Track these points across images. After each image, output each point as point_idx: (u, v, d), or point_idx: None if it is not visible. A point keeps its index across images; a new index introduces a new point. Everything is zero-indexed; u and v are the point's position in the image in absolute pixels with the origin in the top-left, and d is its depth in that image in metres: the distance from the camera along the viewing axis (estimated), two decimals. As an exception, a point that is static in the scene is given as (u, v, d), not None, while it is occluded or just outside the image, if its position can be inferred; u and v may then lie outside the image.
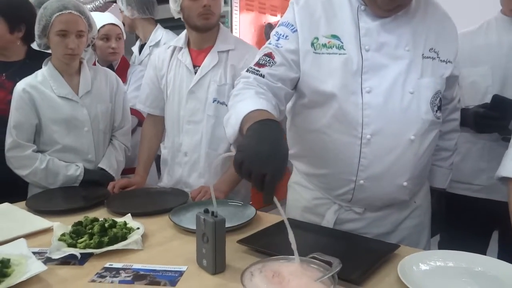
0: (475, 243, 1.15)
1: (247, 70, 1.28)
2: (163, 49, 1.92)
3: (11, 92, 1.85)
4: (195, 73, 1.78)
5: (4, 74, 2.02)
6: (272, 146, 0.92)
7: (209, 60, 1.77)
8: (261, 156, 0.90)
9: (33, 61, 2.00)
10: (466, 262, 1.06)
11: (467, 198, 1.67)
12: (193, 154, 1.81)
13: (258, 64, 1.27)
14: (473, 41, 1.63)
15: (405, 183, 1.25)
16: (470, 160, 1.65)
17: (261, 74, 1.24)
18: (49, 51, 1.87)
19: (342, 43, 1.23)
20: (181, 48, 1.84)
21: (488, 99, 1.55)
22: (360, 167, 1.24)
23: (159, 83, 1.90)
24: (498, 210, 1.61)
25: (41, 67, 1.88)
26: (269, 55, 1.26)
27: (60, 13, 1.73)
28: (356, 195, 1.28)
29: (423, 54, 1.23)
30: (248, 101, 1.12)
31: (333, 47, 1.23)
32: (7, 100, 1.89)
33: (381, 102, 1.20)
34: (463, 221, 1.65)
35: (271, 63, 1.25)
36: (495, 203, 1.61)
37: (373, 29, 1.22)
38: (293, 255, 0.91)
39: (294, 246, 0.90)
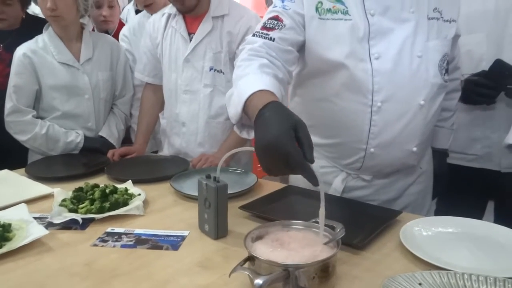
0: (470, 213, 1.14)
1: (254, 35, 1.21)
2: (158, 16, 1.86)
3: (9, 65, 1.81)
4: (190, 40, 1.74)
5: (1, 46, 1.96)
6: (274, 128, 0.84)
7: (204, 27, 1.71)
8: (272, 146, 0.81)
9: (29, 29, 1.93)
10: (467, 228, 1.06)
11: (461, 167, 1.67)
12: (191, 124, 1.78)
13: (265, 28, 1.19)
14: (470, 7, 1.59)
15: (414, 149, 1.24)
16: (464, 129, 1.64)
17: (271, 37, 1.17)
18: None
19: (347, 8, 1.19)
20: (175, 15, 1.78)
21: (482, 67, 1.53)
22: (370, 135, 1.22)
23: (155, 51, 1.86)
24: (493, 179, 1.61)
25: (37, 34, 1.84)
26: (277, 18, 1.20)
27: None
28: (366, 163, 1.27)
29: (427, 15, 1.20)
30: (250, 78, 1.04)
31: (338, 12, 1.20)
32: (5, 73, 1.84)
33: (391, 68, 1.17)
34: (458, 191, 1.65)
35: (280, 26, 1.18)
36: (490, 172, 1.60)
37: None
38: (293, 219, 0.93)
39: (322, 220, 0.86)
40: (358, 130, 1.23)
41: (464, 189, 1.61)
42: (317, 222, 0.91)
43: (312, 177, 0.81)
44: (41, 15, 1.92)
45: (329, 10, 1.20)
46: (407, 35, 1.17)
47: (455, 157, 1.65)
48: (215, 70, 1.72)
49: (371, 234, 1.02)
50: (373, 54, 1.17)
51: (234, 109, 1.02)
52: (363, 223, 1.09)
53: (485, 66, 1.51)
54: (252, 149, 1.02)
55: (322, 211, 0.85)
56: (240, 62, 1.13)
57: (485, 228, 1.06)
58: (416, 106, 1.20)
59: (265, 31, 1.19)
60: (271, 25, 1.19)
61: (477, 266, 0.90)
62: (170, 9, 1.80)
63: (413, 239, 1.00)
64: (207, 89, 1.73)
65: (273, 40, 1.17)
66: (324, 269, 0.80)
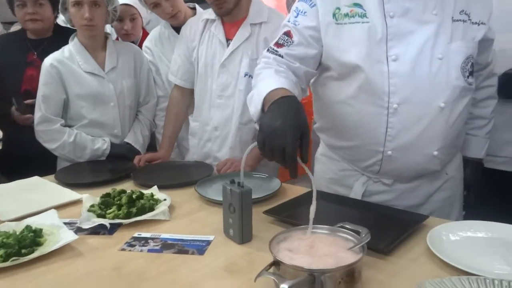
0: (501, 218, 1.11)
1: (268, 50, 1.31)
2: (195, 20, 1.88)
3: None
4: (228, 46, 1.75)
5: (35, 53, 2.05)
6: (287, 120, 0.95)
7: (241, 33, 1.73)
8: (278, 131, 0.93)
9: (60, 38, 2.00)
10: (498, 233, 1.04)
11: (492, 171, 1.62)
12: (224, 129, 1.80)
13: (277, 43, 1.29)
14: (503, 6, 1.56)
15: (435, 153, 1.22)
16: (496, 131, 1.59)
17: (279, 54, 1.27)
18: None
19: (365, 10, 1.20)
20: (214, 20, 1.79)
21: None
22: (387, 138, 1.21)
23: (190, 55, 1.87)
24: None
25: (67, 44, 1.89)
26: (288, 33, 1.28)
27: None
28: (384, 166, 1.26)
29: (452, 17, 1.18)
30: (268, 80, 1.15)
31: (356, 15, 1.21)
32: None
33: (408, 70, 1.16)
34: (488, 196, 1.60)
35: (289, 43, 1.27)
36: None
37: None
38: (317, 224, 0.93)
39: (312, 215, 0.92)
40: (375, 132, 1.22)
41: (495, 194, 1.57)
42: (342, 227, 0.91)
43: (294, 172, 0.94)
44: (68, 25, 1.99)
45: (346, 15, 1.22)
46: (427, 37, 1.16)
47: (485, 159, 1.61)
48: (250, 76, 1.71)
49: (397, 238, 1.01)
50: (391, 56, 1.17)
51: (254, 108, 1.14)
52: (389, 227, 1.08)
53: None
54: None
55: (313, 208, 0.93)
56: (258, 70, 1.27)
57: (517, 233, 1.03)
58: (435, 108, 1.18)
59: (275, 48, 1.29)
60: (281, 42, 1.29)
61: (510, 272, 0.88)
62: (209, 14, 1.82)
63: (440, 244, 0.98)
64: (241, 94, 1.74)
65: (282, 56, 1.27)
66: (350, 274, 0.79)
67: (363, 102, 1.22)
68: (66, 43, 1.90)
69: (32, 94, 1.94)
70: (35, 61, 2.02)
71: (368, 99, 1.21)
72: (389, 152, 1.22)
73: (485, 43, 1.28)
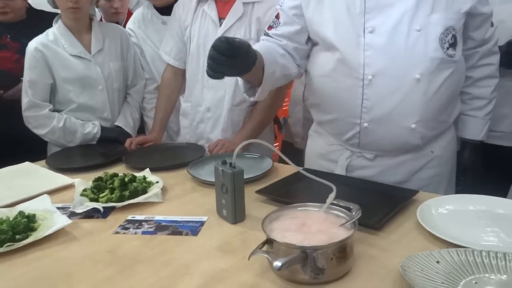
0: (493, 192, 1.11)
1: (264, 34, 1.42)
2: None
3: (17, 51, 1.86)
4: (220, 25, 1.73)
5: (8, 36, 2.03)
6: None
7: (234, 12, 1.71)
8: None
9: (35, 20, 1.99)
10: (486, 205, 1.06)
11: (487, 145, 1.63)
12: (216, 110, 1.79)
13: (269, 26, 1.40)
14: None
15: (413, 126, 1.22)
16: None
17: (269, 35, 1.39)
18: (55, 11, 1.85)
19: None
20: None
21: None
22: (363, 110, 1.23)
23: (183, 34, 1.85)
24: None
25: (43, 26, 1.86)
26: (277, 16, 1.38)
27: None
28: (362, 139, 1.28)
29: None
30: None
31: None
32: (14, 60, 1.91)
33: (384, 42, 1.17)
34: (481, 170, 1.61)
35: (277, 24, 1.37)
36: None
37: None
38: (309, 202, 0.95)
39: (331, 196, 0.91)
40: (352, 104, 1.25)
41: (488, 168, 1.56)
42: (333, 204, 0.92)
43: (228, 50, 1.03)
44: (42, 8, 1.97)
45: None
46: (406, 9, 1.17)
47: None
48: None
49: (388, 214, 1.03)
50: (367, 28, 1.19)
51: None
52: (379, 203, 1.10)
53: None
54: (266, 143, 1.04)
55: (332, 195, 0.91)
56: None
57: (506, 206, 1.04)
58: (411, 80, 1.18)
59: (267, 30, 1.41)
60: (272, 24, 1.40)
61: (498, 243, 0.90)
62: None
63: (430, 218, 1.00)
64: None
65: (271, 37, 1.38)
66: (342, 250, 0.81)
67: (341, 75, 1.25)
68: (41, 25, 1.87)
69: (5, 71, 1.93)
70: (8, 44, 2.01)
71: (345, 72, 1.24)
72: (366, 124, 1.24)
73: (477, 18, 1.26)
